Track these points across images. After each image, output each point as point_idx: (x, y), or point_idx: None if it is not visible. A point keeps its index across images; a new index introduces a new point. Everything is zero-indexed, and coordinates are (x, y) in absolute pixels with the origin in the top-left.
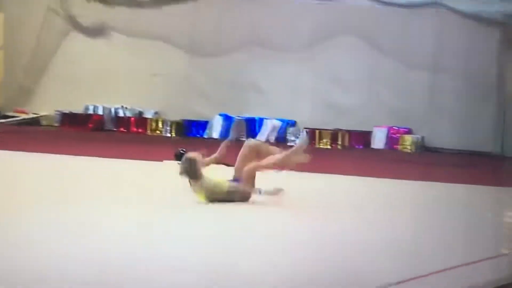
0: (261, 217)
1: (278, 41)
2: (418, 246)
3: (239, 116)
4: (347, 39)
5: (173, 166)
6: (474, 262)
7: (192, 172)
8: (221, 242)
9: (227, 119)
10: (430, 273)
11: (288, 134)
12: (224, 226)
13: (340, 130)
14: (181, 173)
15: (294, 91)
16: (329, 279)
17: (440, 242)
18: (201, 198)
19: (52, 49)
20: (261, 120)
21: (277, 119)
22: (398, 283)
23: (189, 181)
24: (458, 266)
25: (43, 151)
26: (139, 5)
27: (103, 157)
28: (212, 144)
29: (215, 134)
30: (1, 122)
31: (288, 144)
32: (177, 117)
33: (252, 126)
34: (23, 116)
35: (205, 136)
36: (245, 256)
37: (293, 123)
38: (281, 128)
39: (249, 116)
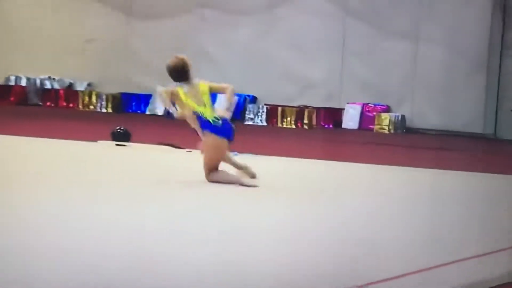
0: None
1: (232, 1)
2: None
3: None
4: (314, 0)
5: (109, 147)
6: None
7: (183, 72)
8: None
9: None
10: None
11: (247, 112)
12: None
13: (307, 107)
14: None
15: (252, 60)
16: (324, 272)
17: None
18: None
19: None
20: (213, 95)
21: None
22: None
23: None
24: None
25: None
26: None
27: (26, 135)
28: (156, 121)
29: (159, 111)
30: None
31: (246, 122)
32: (114, 89)
33: None
34: None
35: (148, 113)
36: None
37: (252, 98)
38: (238, 103)
39: None
